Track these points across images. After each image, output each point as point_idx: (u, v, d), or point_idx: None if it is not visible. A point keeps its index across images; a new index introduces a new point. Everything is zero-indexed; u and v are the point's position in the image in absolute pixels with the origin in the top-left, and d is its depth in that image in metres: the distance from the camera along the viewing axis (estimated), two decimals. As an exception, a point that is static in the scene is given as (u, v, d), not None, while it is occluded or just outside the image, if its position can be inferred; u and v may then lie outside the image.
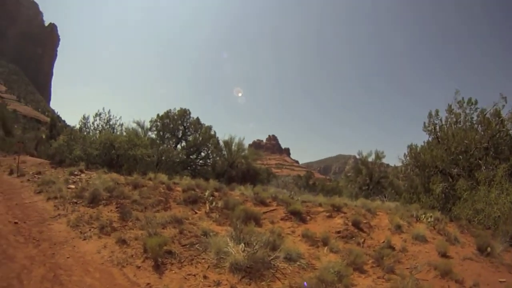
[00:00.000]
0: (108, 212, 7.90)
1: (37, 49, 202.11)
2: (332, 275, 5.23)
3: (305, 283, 5.00)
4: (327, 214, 9.23)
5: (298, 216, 8.87)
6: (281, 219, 8.75)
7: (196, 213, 8.48)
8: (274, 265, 5.57)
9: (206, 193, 9.84)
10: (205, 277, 5.11)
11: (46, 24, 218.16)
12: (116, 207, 8.17)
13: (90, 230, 6.81)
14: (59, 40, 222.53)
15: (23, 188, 10.83)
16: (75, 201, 8.69)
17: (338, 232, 8.05)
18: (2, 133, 27.59)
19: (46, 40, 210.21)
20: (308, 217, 9.03)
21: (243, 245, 5.75)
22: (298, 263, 5.89)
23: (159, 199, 9.07)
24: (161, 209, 8.39)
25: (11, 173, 13.76)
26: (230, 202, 9.01)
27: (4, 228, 6.76)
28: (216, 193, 10.40)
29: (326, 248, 6.95)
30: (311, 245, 7.15)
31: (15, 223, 7.15)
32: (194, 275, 5.17)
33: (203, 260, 5.63)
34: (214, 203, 9.06)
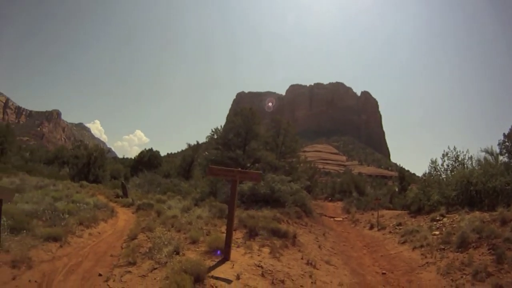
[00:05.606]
0: (480, 255, 7.13)
1: (361, 117, 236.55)
2: None
3: None
4: None
5: None
6: None
7: None
8: None
9: None
10: None
11: (359, 94, 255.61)
12: (488, 249, 7.22)
13: (462, 277, 6.44)
14: (376, 101, 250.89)
15: (386, 240, 11.57)
16: (442, 247, 8.49)
17: None
18: (356, 194, 31.00)
19: (365, 106, 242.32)
20: None
21: None
22: None
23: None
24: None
25: (371, 228, 14.79)
26: None
27: (373, 279, 7.44)
28: None
29: None
30: None
31: (383, 273, 7.79)
32: None
33: None
34: None
